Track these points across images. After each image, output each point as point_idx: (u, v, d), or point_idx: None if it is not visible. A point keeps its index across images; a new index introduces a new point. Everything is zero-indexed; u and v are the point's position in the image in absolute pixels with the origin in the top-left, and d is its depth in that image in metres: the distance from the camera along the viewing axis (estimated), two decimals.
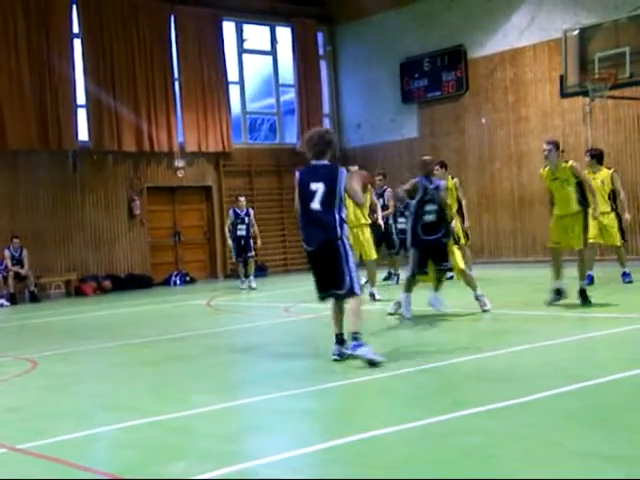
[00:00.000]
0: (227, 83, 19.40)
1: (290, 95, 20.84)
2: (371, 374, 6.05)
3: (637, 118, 15.62)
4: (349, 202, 7.32)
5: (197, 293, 15.19)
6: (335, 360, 6.59)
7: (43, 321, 12.18)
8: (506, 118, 17.81)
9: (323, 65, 21.26)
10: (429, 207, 9.03)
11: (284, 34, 20.64)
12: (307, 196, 6.70)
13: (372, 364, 6.24)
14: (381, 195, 13.43)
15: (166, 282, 18.19)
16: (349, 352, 6.51)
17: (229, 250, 16.15)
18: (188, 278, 18.39)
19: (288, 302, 12.19)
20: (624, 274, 11.55)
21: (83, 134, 17.47)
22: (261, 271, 18.38)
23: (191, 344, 8.69)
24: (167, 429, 4.91)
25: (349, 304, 6.61)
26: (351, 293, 6.51)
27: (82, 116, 17.44)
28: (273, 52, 20.70)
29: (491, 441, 4.19)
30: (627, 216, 11.63)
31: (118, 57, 17.73)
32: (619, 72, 13.45)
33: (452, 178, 13.25)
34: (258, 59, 20.78)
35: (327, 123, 21.30)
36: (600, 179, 11.48)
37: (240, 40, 20.09)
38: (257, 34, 20.56)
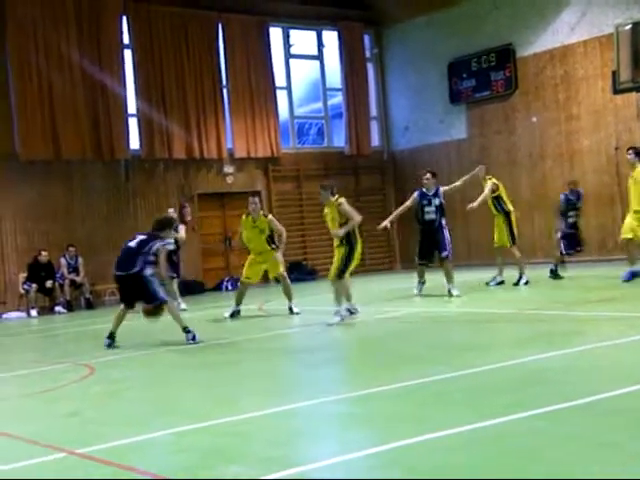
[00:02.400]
0: (275, 88, 19.51)
1: (337, 99, 20.87)
2: (418, 378, 6.01)
3: None
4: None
5: (248, 298, 15.27)
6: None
7: (99, 327, 12.37)
8: (557, 116, 17.55)
9: (370, 68, 21.24)
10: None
11: (331, 38, 20.69)
12: None
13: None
14: (435, 194, 12.76)
15: (218, 287, 18.35)
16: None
17: None
18: (239, 283, 18.46)
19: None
20: None
21: (134, 143, 17.76)
22: (310, 275, 18.39)
23: (240, 348, 8.75)
24: (219, 433, 4.96)
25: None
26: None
27: (133, 125, 17.73)
28: (320, 56, 20.76)
29: (548, 443, 4.12)
30: None
31: (167, 66, 17.99)
32: None
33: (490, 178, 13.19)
34: (305, 64, 20.86)
35: (375, 126, 21.27)
36: (635, 177, 11.35)
37: (287, 45, 20.20)
38: (304, 39, 20.65)
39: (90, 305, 16.26)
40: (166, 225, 9.65)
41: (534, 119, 17.97)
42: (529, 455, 3.97)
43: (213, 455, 4.48)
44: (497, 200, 12.91)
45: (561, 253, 13.13)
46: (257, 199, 11.86)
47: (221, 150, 18.64)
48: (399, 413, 5.14)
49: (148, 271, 9.02)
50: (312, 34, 20.67)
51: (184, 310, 12.79)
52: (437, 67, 19.67)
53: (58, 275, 16.10)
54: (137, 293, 9.12)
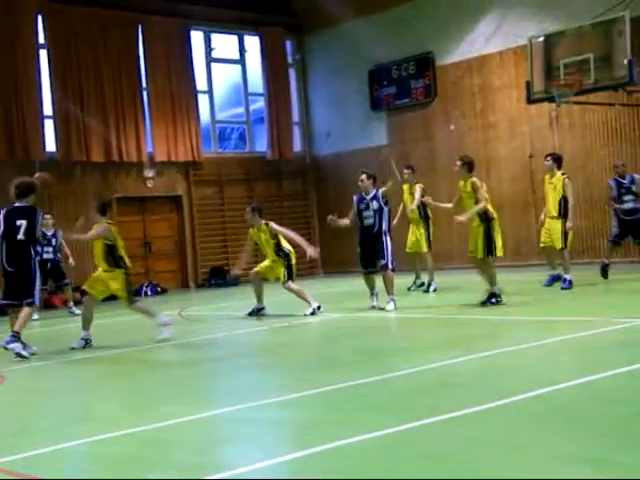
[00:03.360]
0: (196, 92, 19.36)
1: (259, 104, 20.85)
2: (341, 382, 6.07)
3: (602, 123, 15.85)
4: None
5: (168, 303, 15.10)
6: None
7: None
8: (474, 124, 17.98)
9: (292, 74, 21.30)
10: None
11: (253, 43, 20.66)
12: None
13: (20, 356, 8.32)
14: (374, 197, 12.61)
15: (137, 293, 18.02)
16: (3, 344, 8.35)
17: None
18: (159, 289, 18.28)
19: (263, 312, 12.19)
20: (563, 280, 11.71)
21: (50, 145, 17.32)
22: (235, 280, 18.27)
23: (161, 355, 8.66)
24: (138, 442, 4.88)
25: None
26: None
27: (49, 127, 17.30)
28: (242, 61, 20.71)
29: (462, 446, 4.22)
30: (569, 224, 11.69)
31: (85, 67, 17.63)
32: (584, 78, 13.64)
33: (416, 183, 13.32)
34: (227, 68, 20.77)
35: (297, 131, 21.34)
36: (555, 184, 11.76)
37: (208, 49, 20.07)
38: (225, 43, 20.55)
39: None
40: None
41: (452, 127, 18.36)
42: (444, 458, 4.05)
43: (132, 464, 4.41)
44: (423, 205, 13.09)
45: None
46: (251, 207, 11.53)
47: (141, 153, 18.37)
48: (320, 418, 5.17)
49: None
50: (234, 38, 20.60)
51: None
52: (358, 74, 19.88)
53: None
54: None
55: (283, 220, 20.47)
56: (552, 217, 11.84)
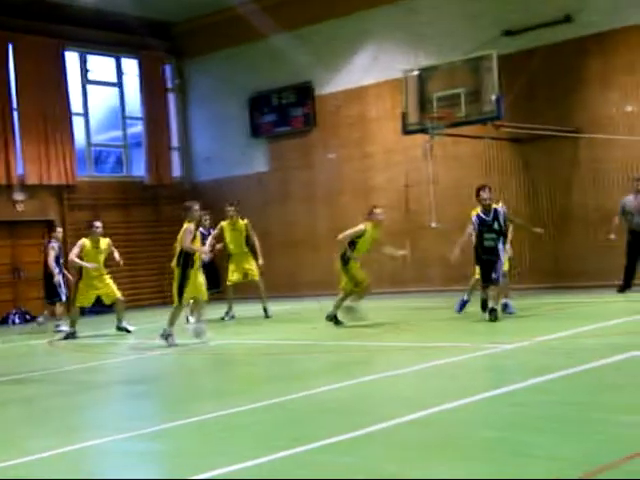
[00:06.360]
0: (71, 114, 18.82)
1: (138, 127, 20.50)
2: (216, 411, 5.97)
3: (474, 156, 16.49)
4: None
5: (38, 332, 14.48)
6: None
7: None
8: (353, 154, 18.32)
9: (172, 98, 21.10)
10: None
11: (131, 66, 20.34)
12: None
13: None
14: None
15: (4, 321, 17.23)
16: None
17: (58, 285, 14.50)
18: (28, 316, 17.50)
19: (137, 339, 11.89)
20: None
21: None
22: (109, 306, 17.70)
23: (30, 386, 8.27)
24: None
25: None
26: None
27: None
28: (119, 84, 20.33)
29: (329, 475, 4.21)
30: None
31: None
32: (456, 111, 14.18)
33: (242, 219, 13.84)
34: (104, 90, 20.32)
35: (176, 156, 21.10)
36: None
37: (84, 71, 19.59)
38: (102, 65, 20.13)
39: None
40: None
41: (331, 156, 18.64)
42: None
43: None
44: (247, 238, 13.59)
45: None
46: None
47: (11, 176, 17.63)
48: (191, 448, 5.05)
49: None
50: (112, 61, 20.22)
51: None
52: (238, 100, 19.91)
53: None
54: None
55: (161, 246, 20.17)
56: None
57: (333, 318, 11.47)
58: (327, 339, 10.30)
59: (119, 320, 12.74)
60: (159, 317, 15.26)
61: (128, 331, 12.55)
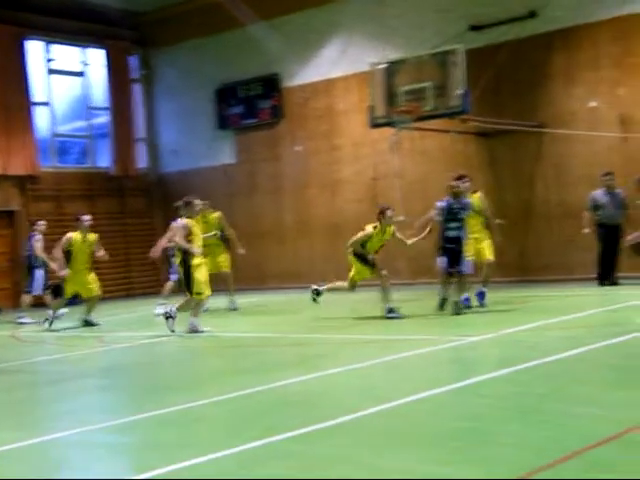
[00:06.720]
0: (32, 104, 18.54)
1: (103, 118, 20.28)
2: (184, 403, 5.96)
3: (441, 149, 16.59)
4: None
5: (2, 324, 14.29)
6: None
7: None
8: (320, 146, 18.32)
9: (138, 89, 20.90)
10: None
11: (96, 56, 20.10)
12: None
13: None
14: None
15: None
16: None
17: (37, 278, 14.65)
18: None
19: (102, 331, 11.81)
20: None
21: None
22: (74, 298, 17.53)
23: None
24: None
25: None
26: None
27: None
28: (84, 74, 20.08)
29: (305, 465, 4.25)
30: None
31: None
32: (423, 105, 14.25)
33: (214, 212, 13.78)
34: (68, 80, 20.05)
35: (142, 148, 20.92)
36: None
37: (47, 60, 19.31)
38: (67, 55, 19.86)
39: None
40: None
41: (297, 148, 18.63)
42: (287, 477, 4.06)
43: None
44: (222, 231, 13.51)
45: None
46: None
47: None
48: (162, 440, 5.05)
49: None
50: (76, 50, 19.95)
51: None
52: (205, 92, 19.79)
53: None
54: None
55: (126, 238, 20.01)
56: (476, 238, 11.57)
57: (391, 311, 10.87)
58: (294, 332, 10.32)
59: (88, 313, 12.60)
60: (122, 309, 15.24)
61: (95, 325, 12.44)
